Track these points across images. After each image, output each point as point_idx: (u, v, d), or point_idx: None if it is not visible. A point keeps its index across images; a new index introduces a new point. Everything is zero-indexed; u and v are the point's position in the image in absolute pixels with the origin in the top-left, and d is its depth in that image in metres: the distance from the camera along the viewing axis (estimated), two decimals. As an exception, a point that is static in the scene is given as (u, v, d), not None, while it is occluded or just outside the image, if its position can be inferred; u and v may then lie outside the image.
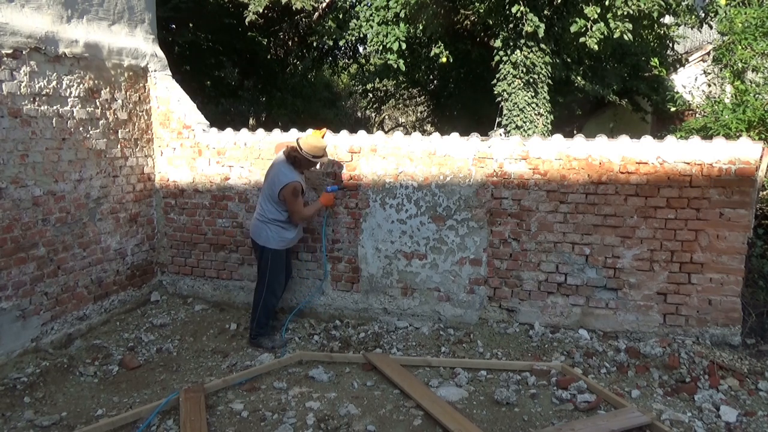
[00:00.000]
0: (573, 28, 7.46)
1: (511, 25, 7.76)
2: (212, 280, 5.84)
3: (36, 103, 4.44)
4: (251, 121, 13.51)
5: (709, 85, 7.22)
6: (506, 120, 7.99)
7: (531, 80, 7.80)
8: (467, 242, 5.09)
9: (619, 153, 4.69)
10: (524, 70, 7.75)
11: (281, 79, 12.39)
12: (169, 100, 5.74)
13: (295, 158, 4.78)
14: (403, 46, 8.68)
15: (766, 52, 5.84)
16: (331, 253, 5.43)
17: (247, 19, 8.69)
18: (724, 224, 4.54)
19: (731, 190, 4.49)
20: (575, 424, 3.55)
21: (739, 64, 6.07)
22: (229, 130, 5.62)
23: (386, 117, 20.21)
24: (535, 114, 7.92)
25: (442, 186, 5.07)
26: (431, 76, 12.83)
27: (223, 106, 13.19)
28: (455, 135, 5.07)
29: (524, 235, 4.96)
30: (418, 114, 18.30)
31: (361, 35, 9.21)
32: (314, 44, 11.35)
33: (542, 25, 7.37)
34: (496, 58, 8.08)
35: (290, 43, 12.35)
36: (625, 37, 7.44)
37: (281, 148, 4.95)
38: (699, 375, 4.16)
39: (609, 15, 7.32)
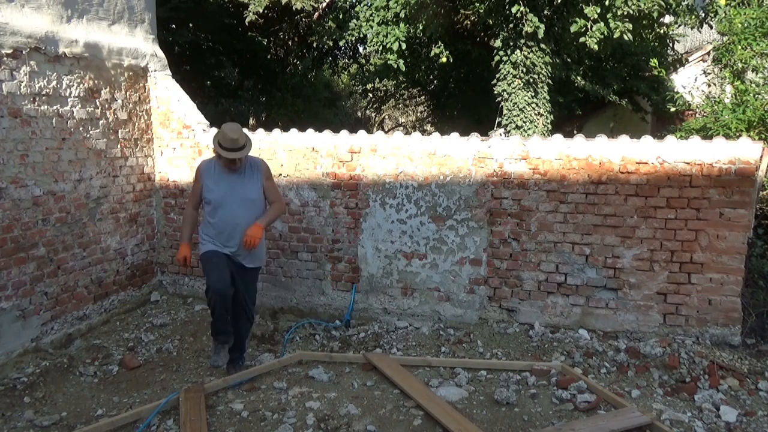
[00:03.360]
0: (573, 28, 7.46)
1: (511, 25, 7.76)
2: (212, 280, 5.82)
3: (36, 103, 4.44)
4: (251, 121, 13.51)
5: (709, 85, 7.21)
6: (506, 120, 7.99)
7: (531, 80, 7.80)
8: (467, 242, 5.09)
9: (619, 153, 4.69)
10: (524, 70, 7.75)
11: (281, 79, 12.39)
12: (169, 100, 5.74)
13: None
14: (403, 46, 8.68)
15: (765, 52, 5.84)
16: (331, 253, 5.43)
17: (247, 19, 8.69)
18: (724, 224, 4.54)
19: (731, 190, 4.49)
20: (575, 424, 3.55)
21: (739, 64, 6.07)
22: (229, 130, 5.61)
23: (386, 117, 20.22)
24: (535, 114, 7.92)
25: (442, 186, 5.08)
26: (431, 76, 12.83)
27: (223, 106, 13.19)
28: (455, 135, 5.07)
29: (524, 235, 4.96)
30: (418, 114, 18.31)
31: (361, 35, 9.22)
32: (314, 44, 11.37)
33: (542, 25, 7.37)
34: (496, 58, 8.09)
35: (290, 43, 12.36)
36: (625, 37, 7.44)
37: None
38: (699, 375, 4.16)
39: (609, 15, 7.32)
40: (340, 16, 10.23)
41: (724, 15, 6.82)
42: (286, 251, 5.53)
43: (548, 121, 8.16)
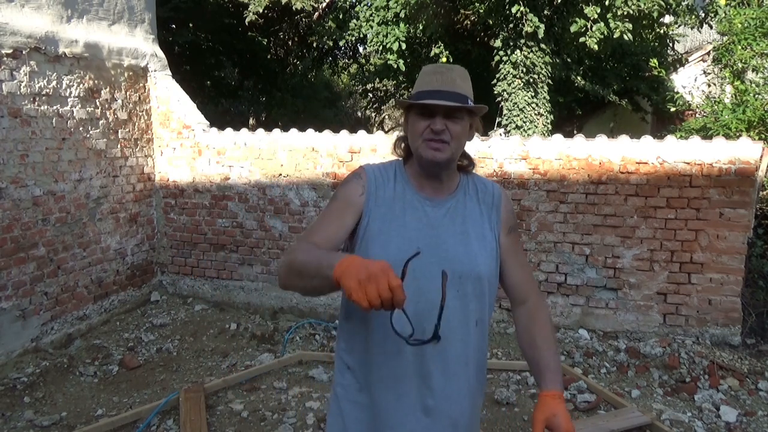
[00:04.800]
0: (573, 28, 7.46)
1: (511, 25, 7.76)
2: (212, 280, 5.83)
3: (36, 103, 4.44)
4: (251, 121, 13.51)
5: (709, 85, 7.21)
6: (506, 120, 7.99)
7: (531, 80, 7.80)
8: (467, 242, 5.08)
9: (619, 153, 4.69)
10: (524, 70, 7.74)
11: (281, 79, 12.39)
12: (169, 100, 5.74)
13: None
14: (403, 46, 8.68)
15: (765, 52, 5.84)
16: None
17: (247, 19, 8.70)
18: (724, 224, 4.54)
19: (731, 190, 4.49)
20: (575, 424, 3.54)
21: (739, 64, 6.07)
22: (229, 130, 5.62)
23: (386, 117, 20.21)
24: (535, 114, 7.92)
25: (442, 186, 5.07)
26: (431, 76, 12.80)
27: (223, 106, 13.20)
28: (455, 135, 5.06)
29: (524, 235, 4.96)
30: (418, 114, 18.28)
31: (361, 35, 9.22)
32: (314, 44, 11.38)
33: (542, 25, 7.37)
34: (496, 58, 8.08)
35: (290, 43, 12.36)
36: (625, 37, 7.44)
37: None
38: (699, 375, 4.16)
39: (609, 15, 7.32)
40: (340, 16, 10.23)
41: (724, 15, 6.82)
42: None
43: (548, 121, 8.15)
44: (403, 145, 1.63)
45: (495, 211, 1.62)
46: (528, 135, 7.69)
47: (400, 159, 1.64)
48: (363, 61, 13.70)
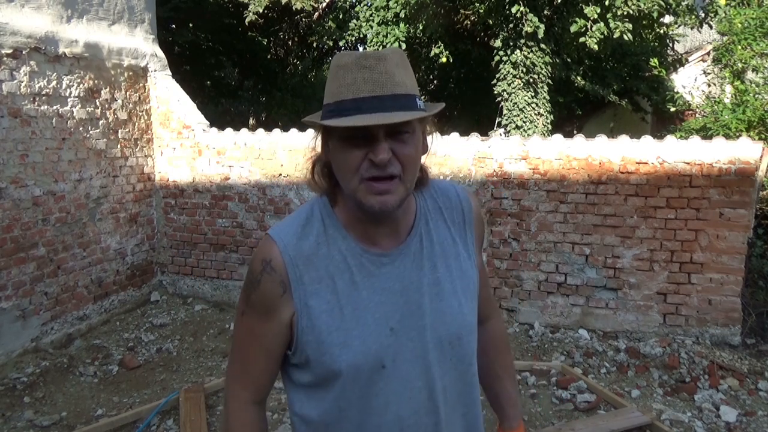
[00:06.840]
0: (573, 28, 7.46)
1: (511, 25, 7.76)
2: (212, 280, 5.83)
3: (36, 103, 4.44)
4: (251, 121, 13.51)
5: (709, 85, 7.21)
6: (506, 120, 7.99)
7: (531, 80, 7.80)
8: (467, 242, 5.08)
9: (619, 153, 4.69)
10: (524, 70, 7.74)
11: (281, 79, 12.40)
12: (169, 100, 5.74)
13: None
14: (403, 46, 8.68)
15: (765, 52, 5.84)
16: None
17: (247, 19, 8.70)
18: (724, 224, 4.54)
19: (731, 190, 4.49)
20: (575, 424, 3.55)
21: (739, 65, 6.07)
22: (229, 130, 5.62)
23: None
24: (535, 114, 7.92)
25: (442, 186, 5.07)
26: (431, 76, 12.83)
27: (223, 106, 13.20)
28: (455, 135, 5.07)
29: (524, 235, 4.96)
30: (418, 114, 18.27)
31: (361, 35, 9.23)
32: (314, 44, 11.38)
33: (542, 26, 7.37)
34: (496, 58, 8.09)
35: (290, 43, 12.37)
36: (625, 37, 7.44)
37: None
38: (699, 375, 4.16)
39: (609, 15, 7.32)
40: (340, 16, 10.24)
41: (724, 15, 6.82)
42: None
43: (548, 121, 8.15)
44: (326, 172, 1.12)
45: (468, 229, 1.24)
46: (528, 135, 7.69)
47: (324, 197, 1.14)
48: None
